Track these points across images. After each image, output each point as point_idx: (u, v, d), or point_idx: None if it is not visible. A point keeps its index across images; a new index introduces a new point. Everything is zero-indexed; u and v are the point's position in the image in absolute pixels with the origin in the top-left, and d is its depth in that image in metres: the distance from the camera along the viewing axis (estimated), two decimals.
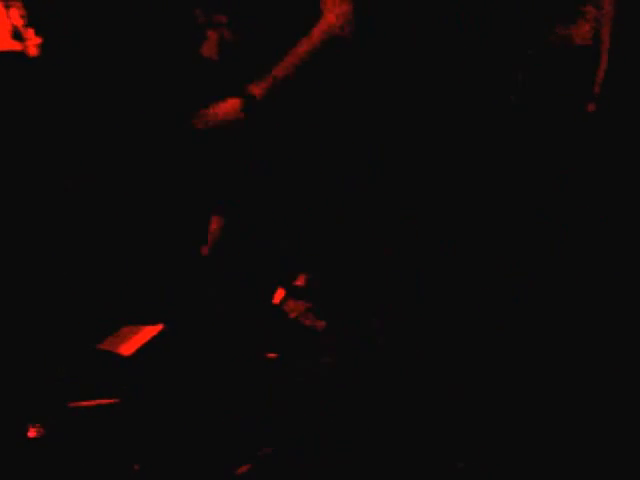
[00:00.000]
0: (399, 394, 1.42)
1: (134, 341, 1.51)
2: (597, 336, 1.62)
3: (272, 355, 1.60)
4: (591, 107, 1.80)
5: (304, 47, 1.65)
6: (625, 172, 1.80)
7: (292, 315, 1.45)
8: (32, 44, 1.68)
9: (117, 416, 1.27)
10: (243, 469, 1.25)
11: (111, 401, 1.27)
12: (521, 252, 1.85)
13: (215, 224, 1.71)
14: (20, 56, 1.71)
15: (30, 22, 1.62)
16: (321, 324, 1.42)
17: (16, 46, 1.71)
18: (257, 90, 1.64)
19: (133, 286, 1.74)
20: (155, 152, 1.96)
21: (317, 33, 1.64)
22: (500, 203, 1.87)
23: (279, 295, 1.53)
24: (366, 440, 1.31)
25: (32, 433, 1.21)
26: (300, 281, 1.51)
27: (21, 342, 1.48)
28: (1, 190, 1.64)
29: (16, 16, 1.60)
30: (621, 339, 1.61)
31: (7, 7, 1.61)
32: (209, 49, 1.97)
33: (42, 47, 1.70)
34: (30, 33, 1.65)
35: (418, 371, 1.47)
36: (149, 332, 1.56)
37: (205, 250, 1.71)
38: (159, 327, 1.58)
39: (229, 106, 1.67)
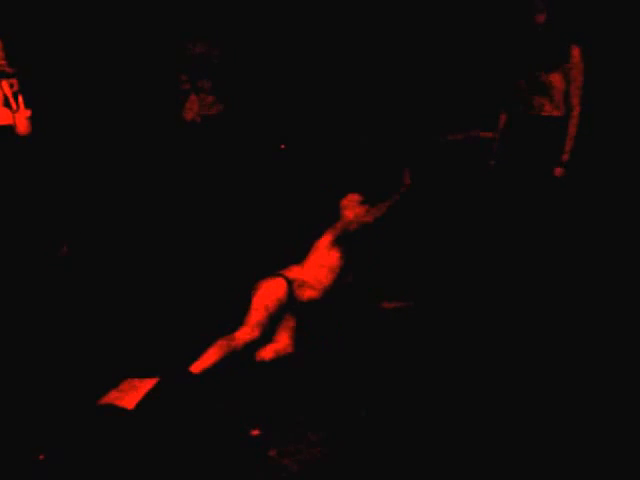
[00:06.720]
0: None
1: (136, 394, 1.46)
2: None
3: (255, 432, 1.52)
4: (558, 172, 1.95)
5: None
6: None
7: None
8: (22, 116, 1.73)
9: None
10: None
11: None
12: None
13: None
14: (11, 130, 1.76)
15: (20, 90, 1.68)
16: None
17: (7, 120, 1.76)
18: None
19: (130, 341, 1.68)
20: (144, 228, 1.97)
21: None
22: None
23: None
24: None
25: None
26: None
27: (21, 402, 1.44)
28: None
29: (6, 86, 1.66)
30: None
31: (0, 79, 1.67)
32: (192, 112, 2.03)
33: (31, 120, 1.75)
34: (20, 103, 1.70)
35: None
36: (148, 384, 1.51)
37: None
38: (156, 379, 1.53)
39: None
